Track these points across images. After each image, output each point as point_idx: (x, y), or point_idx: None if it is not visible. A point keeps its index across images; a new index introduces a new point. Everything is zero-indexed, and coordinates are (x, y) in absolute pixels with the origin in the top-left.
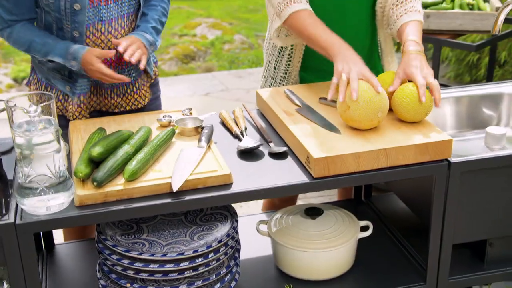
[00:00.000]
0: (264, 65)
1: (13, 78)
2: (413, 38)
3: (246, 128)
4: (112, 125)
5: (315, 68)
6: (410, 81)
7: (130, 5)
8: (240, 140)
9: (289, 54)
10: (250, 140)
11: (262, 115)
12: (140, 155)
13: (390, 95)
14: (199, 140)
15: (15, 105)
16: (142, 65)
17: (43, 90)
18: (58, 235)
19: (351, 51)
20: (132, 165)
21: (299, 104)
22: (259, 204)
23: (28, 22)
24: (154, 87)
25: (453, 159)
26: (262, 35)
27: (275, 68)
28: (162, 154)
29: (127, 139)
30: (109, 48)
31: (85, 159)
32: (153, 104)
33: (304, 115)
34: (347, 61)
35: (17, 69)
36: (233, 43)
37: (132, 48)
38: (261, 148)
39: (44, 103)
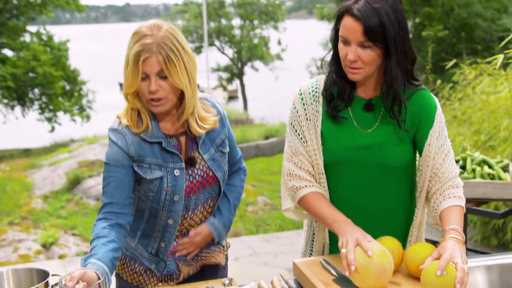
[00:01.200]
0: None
1: (41, 244)
2: (454, 227)
3: None
4: None
5: None
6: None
7: (213, 191)
8: None
9: (313, 228)
10: None
11: (299, 285)
12: None
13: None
14: None
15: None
16: (187, 258)
17: (126, 263)
18: None
19: (350, 224)
20: None
21: (336, 274)
22: None
23: (111, 226)
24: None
25: None
26: None
27: (307, 239)
28: None
29: None
30: (187, 231)
31: None
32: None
33: (340, 285)
34: (345, 234)
35: (46, 234)
36: (256, 205)
37: (188, 246)
38: None
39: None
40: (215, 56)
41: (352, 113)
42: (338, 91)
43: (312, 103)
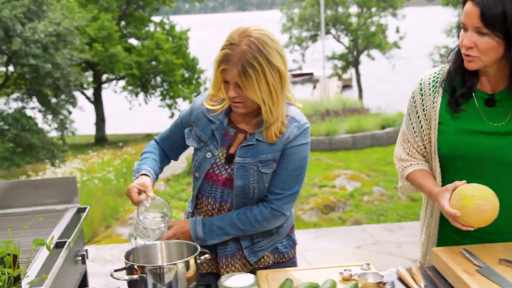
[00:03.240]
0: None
1: None
2: None
3: (425, 286)
4: (295, 275)
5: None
6: None
7: (231, 195)
8: None
9: (430, 212)
10: None
11: (437, 273)
12: None
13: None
14: None
15: None
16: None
17: None
18: None
19: (441, 190)
20: None
21: (479, 264)
22: None
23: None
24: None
25: None
26: None
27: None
28: None
29: None
30: None
31: None
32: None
33: (486, 276)
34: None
35: None
36: (372, 195)
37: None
38: None
39: None
40: (331, 45)
41: (474, 106)
42: (460, 82)
43: (430, 94)
